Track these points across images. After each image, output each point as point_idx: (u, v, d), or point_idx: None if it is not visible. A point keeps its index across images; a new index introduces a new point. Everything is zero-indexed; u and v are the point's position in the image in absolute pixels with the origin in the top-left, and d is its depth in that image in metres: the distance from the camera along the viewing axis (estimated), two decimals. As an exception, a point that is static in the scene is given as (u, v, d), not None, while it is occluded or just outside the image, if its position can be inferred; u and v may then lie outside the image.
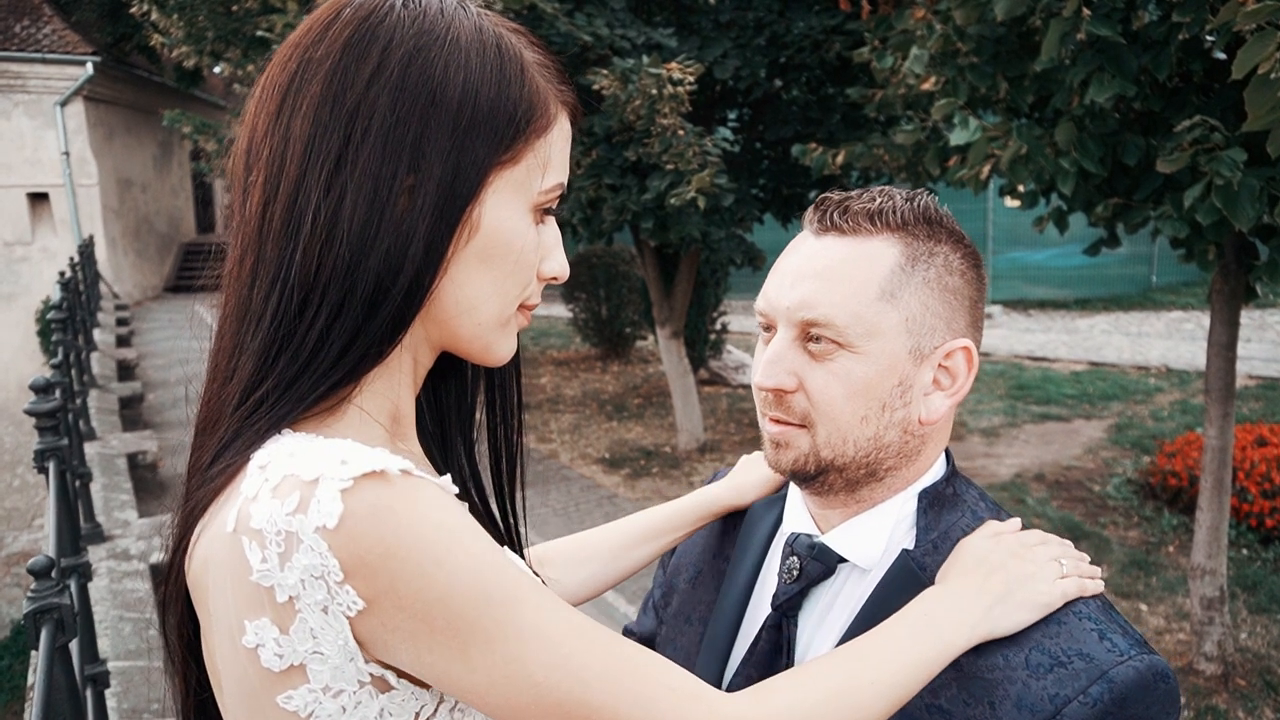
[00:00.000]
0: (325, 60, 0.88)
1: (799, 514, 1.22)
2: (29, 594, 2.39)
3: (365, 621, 0.79)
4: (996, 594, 1.03)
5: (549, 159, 0.94)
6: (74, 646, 3.31)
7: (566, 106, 0.97)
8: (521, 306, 0.98)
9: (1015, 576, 1.05)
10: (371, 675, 0.83)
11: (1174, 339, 14.45)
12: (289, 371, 0.86)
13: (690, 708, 0.86)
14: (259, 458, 0.83)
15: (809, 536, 1.18)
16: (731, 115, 9.42)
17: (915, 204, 1.11)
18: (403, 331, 0.90)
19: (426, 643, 0.80)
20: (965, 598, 1.03)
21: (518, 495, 1.13)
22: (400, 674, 0.84)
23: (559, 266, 0.99)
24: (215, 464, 0.87)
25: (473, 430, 1.12)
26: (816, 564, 1.16)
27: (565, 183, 0.97)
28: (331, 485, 0.77)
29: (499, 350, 0.98)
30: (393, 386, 0.94)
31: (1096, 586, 1.08)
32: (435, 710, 0.88)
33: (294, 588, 0.78)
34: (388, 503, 0.78)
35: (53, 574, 2.42)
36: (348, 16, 0.90)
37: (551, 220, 0.99)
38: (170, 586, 0.93)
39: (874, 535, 1.14)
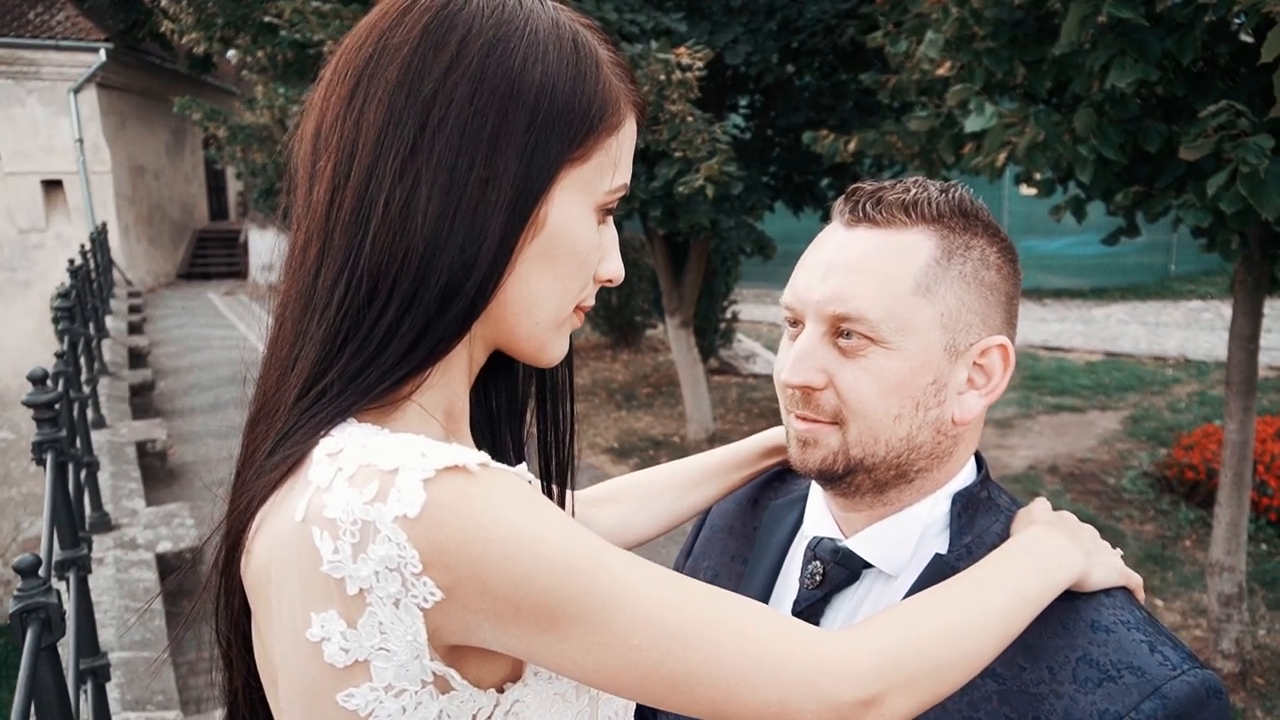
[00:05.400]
0: (403, 46, 0.86)
1: (821, 516, 1.18)
2: (15, 593, 2.36)
3: (443, 610, 0.78)
4: (1086, 547, 1.03)
5: (618, 158, 0.93)
6: (71, 641, 3.28)
7: (635, 107, 0.95)
8: (577, 308, 0.97)
9: (1091, 540, 1.05)
10: (434, 675, 0.81)
11: (1192, 329, 14.29)
12: (354, 363, 0.85)
13: (794, 654, 0.83)
14: (327, 445, 0.81)
15: (832, 540, 1.14)
16: (743, 101, 9.33)
17: (950, 195, 1.08)
18: (469, 327, 0.89)
19: (513, 621, 0.79)
20: (1061, 539, 1.02)
21: (568, 498, 1.11)
22: (464, 675, 0.83)
23: (615, 269, 0.98)
24: (274, 454, 0.85)
25: (523, 430, 1.11)
26: (840, 569, 1.11)
27: (628, 184, 0.96)
28: (413, 475, 0.76)
29: (553, 351, 0.97)
30: (450, 383, 0.93)
31: (1141, 593, 1.07)
32: (491, 713, 0.86)
33: (366, 580, 0.76)
34: (468, 490, 0.77)
35: (40, 572, 2.38)
36: (425, 3, 0.88)
37: (610, 221, 0.98)
38: (225, 579, 0.91)
39: (902, 539, 1.10)
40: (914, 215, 1.05)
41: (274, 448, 0.86)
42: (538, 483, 1.08)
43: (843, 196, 1.12)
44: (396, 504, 0.75)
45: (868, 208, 1.07)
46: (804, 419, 1.08)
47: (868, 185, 1.10)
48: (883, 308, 1.02)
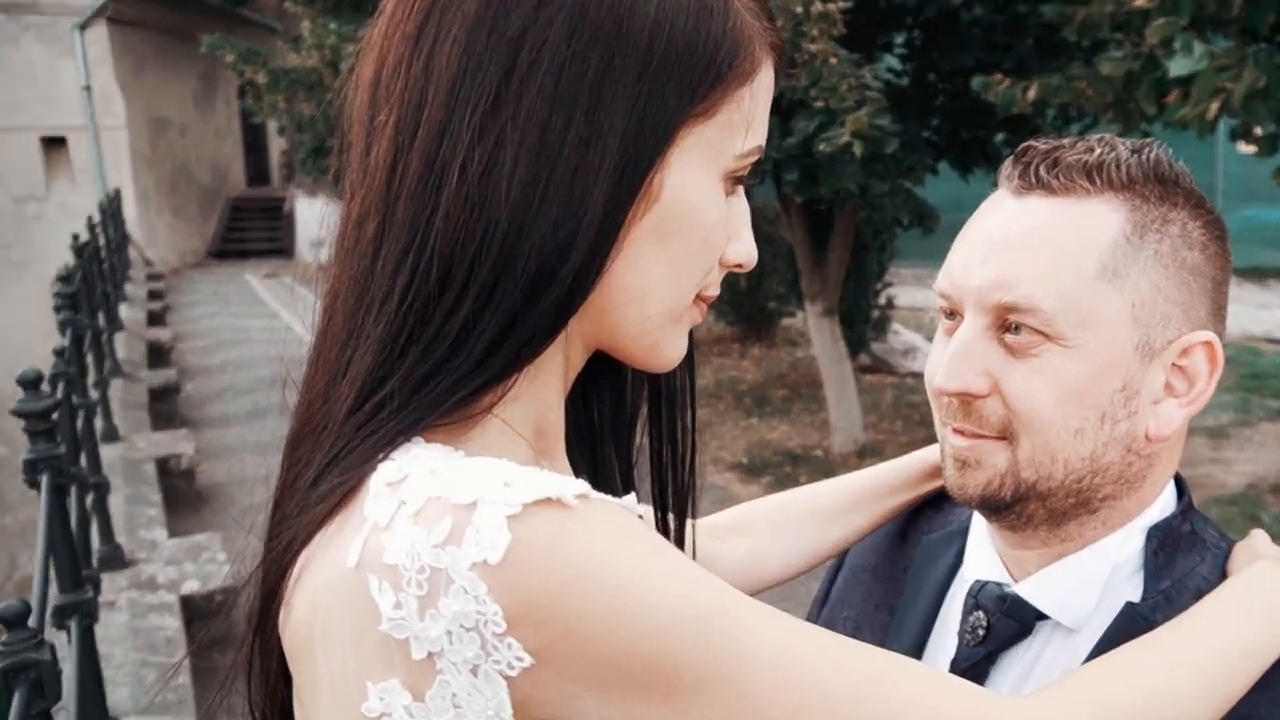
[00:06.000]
0: None
1: (984, 555, 1.19)
2: (0, 647, 2.37)
3: (533, 677, 0.77)
4: None
5: (751, 114, 0.92)
6: (72, 704, 3.32)
7: (773, 50, 0.94)
8: (698, 298, 0.97)
9: None
10: None
11: None
12: (420, 368, 0.85)
13: None
14: (386, 473, 0.81)
15: (999, 585, 1.15)
16: (898, 39, 9.28)
17: (1145, 157, 1.08)
18: (565, 322, 0.88)
19: (619, 689, 0.78)
20: None
21: (687, 532, 1.11)
22: None
23: (746, 251, 0.98)
24: (320, 483, 0.85)
25: (632, 450, 1.12)
26: (1009, 621, 1.12)
27: (763, 146, 0.96)
28: (495, 510, 0.75)
29: (668, 352, 0.97)
30: (540, 392, 0.93)
31: None
32: None
33: (436, 641, 0.75)
34: (564, 528, 0.76)
35: (30, 621, 2.40)
36: None
37: (741, 192, 0.98)
38: (260, 637, 0.91)
39: (1085, 584, 1.10)
40: (1099, 181, 1.06)
41: (320, 474, 0.85)
42: (650, 514, 1.08)
43: (1011, 157, 1.12)
44: (474, 547, 0.74)
45: (1042, 171, 1.07)
46: (963, 433, 1.09)
47: (1042, 144, 1.11)
48: (1060, 296, 1.03)
